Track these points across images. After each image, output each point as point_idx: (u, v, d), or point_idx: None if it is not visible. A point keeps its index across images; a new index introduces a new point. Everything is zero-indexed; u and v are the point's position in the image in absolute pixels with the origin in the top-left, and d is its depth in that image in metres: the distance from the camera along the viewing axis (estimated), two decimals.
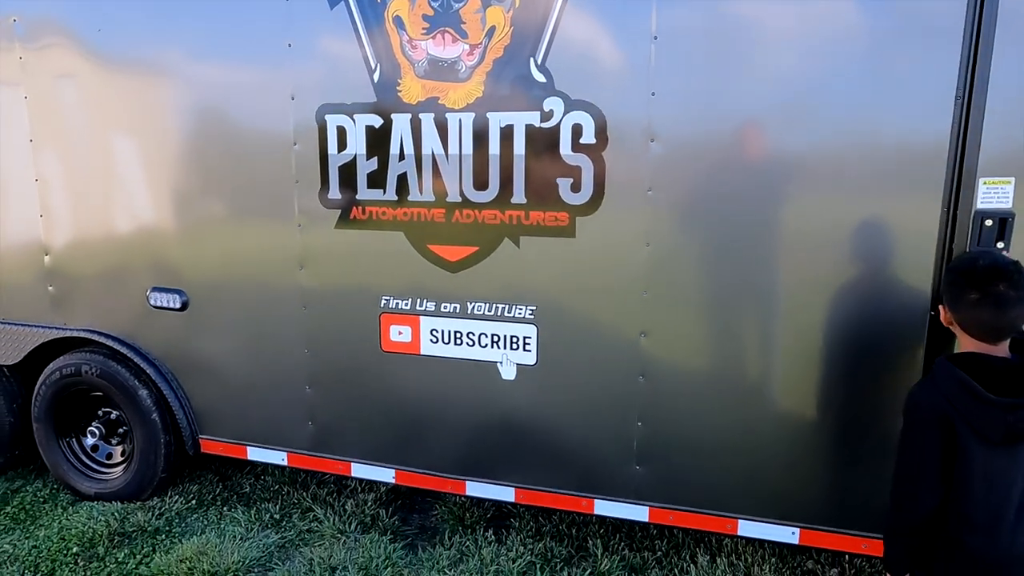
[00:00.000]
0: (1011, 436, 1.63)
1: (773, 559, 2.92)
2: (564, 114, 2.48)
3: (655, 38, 2.35)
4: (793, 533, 2.54)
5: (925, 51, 2.13)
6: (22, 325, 3.42)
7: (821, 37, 2.22)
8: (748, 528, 2.59)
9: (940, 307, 1.87)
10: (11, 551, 3.06)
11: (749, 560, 2.91)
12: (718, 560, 2.91)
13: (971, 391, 1.65)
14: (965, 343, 1.77)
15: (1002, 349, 1.72)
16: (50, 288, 3.34)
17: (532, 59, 2.49)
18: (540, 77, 2.49)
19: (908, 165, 2.20)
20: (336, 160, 2.78)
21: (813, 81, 2.25)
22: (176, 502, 3.42)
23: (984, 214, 2.15)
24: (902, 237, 2.24)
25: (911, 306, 2.26)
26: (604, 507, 2.74)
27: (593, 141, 2.47)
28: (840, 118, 2.23)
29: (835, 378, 2.41)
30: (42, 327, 3.39)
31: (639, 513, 2.70)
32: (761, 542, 2.92)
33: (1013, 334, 1.72)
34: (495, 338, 2.73)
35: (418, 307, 2.80)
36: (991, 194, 2.14)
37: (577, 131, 2.48)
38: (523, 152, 2.55)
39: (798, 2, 2.22)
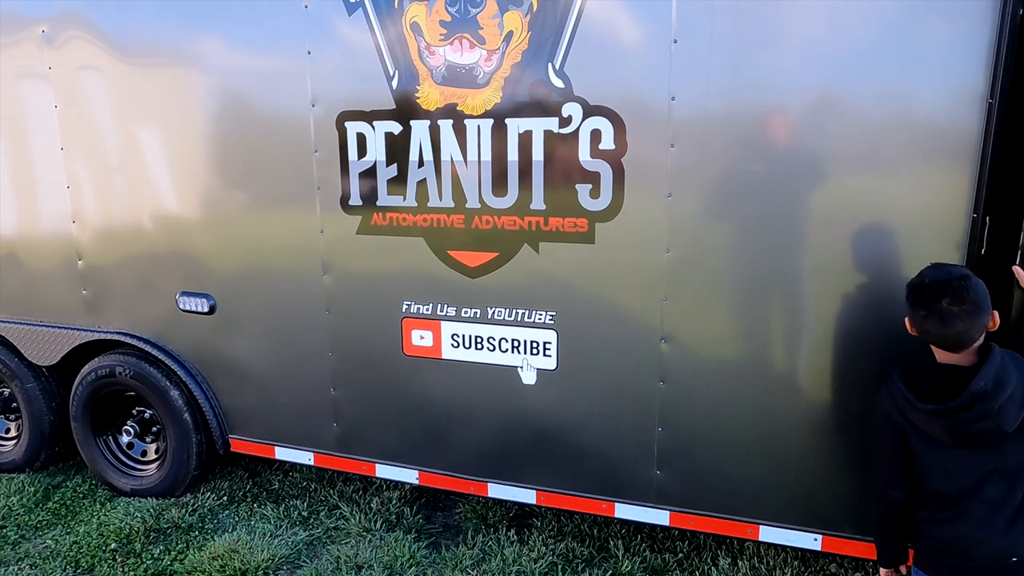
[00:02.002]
0: (962, 439, 1.72)
1: (795, 562, 2.92)
2: (583, 120, 2.46)
3: (675, 41, 2.32)
4: (815, 540, 2.53)
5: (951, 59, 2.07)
6: (58, 327, 3.53)
7: (844, 41, 2.17)
8: (770, 534, 2.58)
9: (906, 319, 1.90)
10: (53, 546, 3.19)
11: (771, 563, 2.91)
12: (739, 563, 2.91)
13: (907, 399, 1.79)
14: (934, 350, 1.84)
15: (965, 356, 1.77)
16: (84, 292, 3.44)
17: (550, 64, 2.47)
18: (558, 82, 2.47)
19: (939, 147, 2.14)
20: (356, 167, 2.80)
21: (838, 80, 2.20)
22: (208, 499, 3.53)
23: None
24: (932, 240, 2.19)
25: None
26: (625, 511, 2.76)
27: (612, 147, 2.45)
28: (862, 119, 2.18)
29: (858, 384, 2.37)
30: (77, 329, 3.50)
31: (660, 517, 2.71)
32: (784, 545, 2.91)
33: (969, 343, 1.75)
34: (515, 343, 2.75)
35: (439, 312, 2.83)
36: None
37: (596, 136, 2.46)
38: (542, 158, 2.54)
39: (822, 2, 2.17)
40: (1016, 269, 2.05)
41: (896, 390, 1.83)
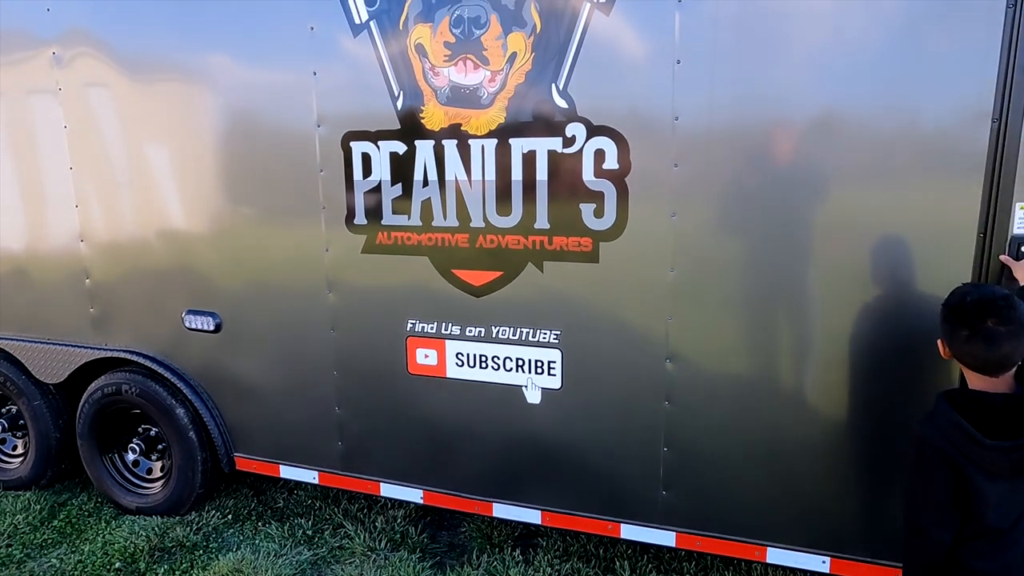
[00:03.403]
0: (1020, 470, 1.65)
1: None
2: (587, 140, 2.47)
3: (678, 62, 2.32)
4: (824, 562, 2.50)
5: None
6: (66, 345, 3.55)
7: (849, 57, 2.17)
8: (777, 556, 2.56)
9: (939, 341, 1.83)
10: (58, 565, 3.19)
11: None
12: None
13: (969, 435, 1.66)
14: (968, 376, 1.76)
15: (1004, 381, 1.70)
16: (91, 310, 3.46)
17: (554, 85, 2.48)
18: (562, 103, 2.48)
19: (947, 165, 2.14)
20: (361, 186, 2.81)
21: (842, 97, 2.20)
22: (213, 517, 3.52)
23: (1021, 240, 2.07)
24: (940, 258, 2.17)
25: None
26: (630, 531, 2.73)
27: (616, 166, 2.45)
28: (867, 136, 2.18)
29: (867, 404, 2.36)
30: (85, 347, 3.51)
31: (666, 538, 2.68)
32: (791, 568, 2.87)
33: (1011, 367, 1.69)
34: (520, 362, 2.74)
35: (443, 331, 2.83)
36: None
37: (600, 156, 2.47)
38: (546, 178, 2.54)
39: (826, 18, 2.17)
40: (1004, 258, 2.03)
41: (952, 425, 1.69)
